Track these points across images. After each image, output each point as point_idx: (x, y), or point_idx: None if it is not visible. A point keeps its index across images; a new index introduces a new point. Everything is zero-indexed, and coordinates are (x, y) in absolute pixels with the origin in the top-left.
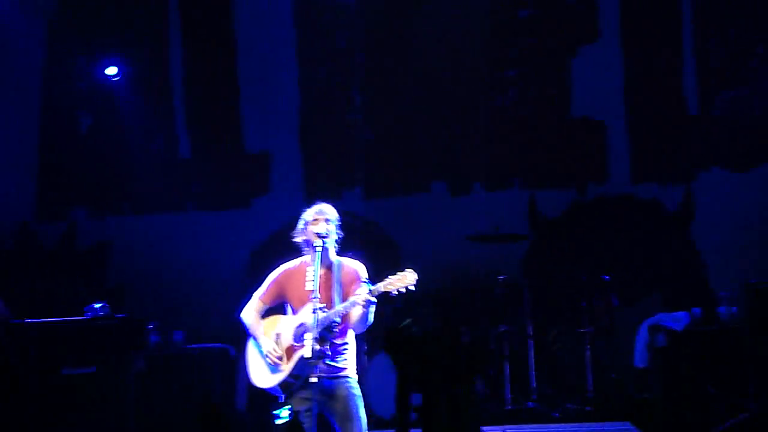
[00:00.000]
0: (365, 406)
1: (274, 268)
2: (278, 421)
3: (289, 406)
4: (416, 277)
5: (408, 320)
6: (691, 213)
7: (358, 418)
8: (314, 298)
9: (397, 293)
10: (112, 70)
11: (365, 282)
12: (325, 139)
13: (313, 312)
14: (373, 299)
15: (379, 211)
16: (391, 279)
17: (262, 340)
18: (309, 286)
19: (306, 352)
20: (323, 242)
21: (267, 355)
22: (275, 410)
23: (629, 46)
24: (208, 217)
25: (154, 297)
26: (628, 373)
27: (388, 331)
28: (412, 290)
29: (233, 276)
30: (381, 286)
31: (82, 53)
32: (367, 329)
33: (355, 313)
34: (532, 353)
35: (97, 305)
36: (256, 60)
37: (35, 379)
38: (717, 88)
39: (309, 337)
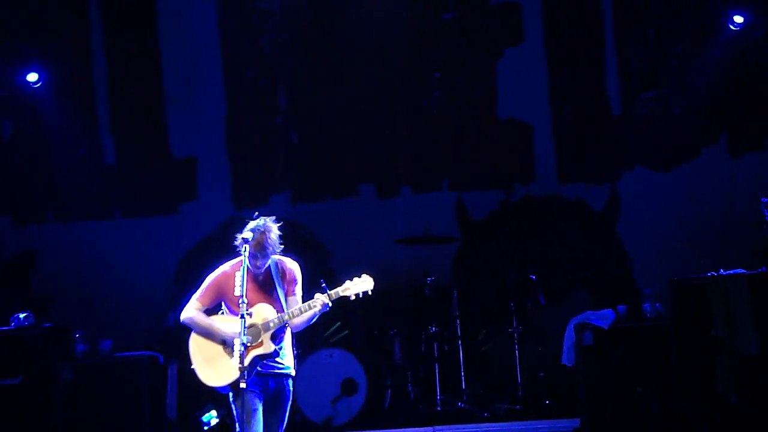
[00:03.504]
0: (295, 409)
1: (203, 274)
2: (206, 428)
3: (215, 412)
4: (373, 282)
5: (337, 323)
6: (617, 212)
7: (284, 421)
8: (241, 303)
9: (354, 297)
10: (32, 77)
11: (323, 287)
12: (251, 143)
13: (241, 317)
14: (329, 303)
15: (308, 215)
16: (349, 284)
17: (219, 327)
18: (237, 292)
19: (235, 360)
20: (248, 246)
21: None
22: (202, 417)
23: (553, 49)
24: (136, 223)
25: (80, 305)
26: (556, 372)
27: None
28: (369, 295)
29: (161, 283)
30: (339, 291)
31: (1, 60)
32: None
33: (304, 316)
34: (461, 354)
35: (22, 315)
36: (181, 64)
37: None
38: (639, 89)
39: (237, 343)
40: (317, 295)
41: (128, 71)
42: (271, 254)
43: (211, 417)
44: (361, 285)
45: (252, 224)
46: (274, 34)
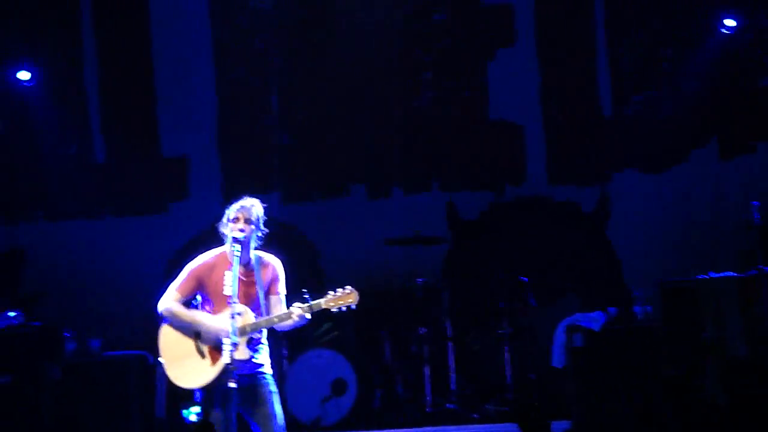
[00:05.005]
0: (285, 410)
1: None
2: (187, 423)
3: (198, 407)
4: (358, 297)
5: (327, 324)
6: (607, 214)
7: (275, 415)
8: (232, 303)
9: (337, 311)
10: (24, 75)
11: (305, 297)
12: (242, 143)
13: (231, 317)
14: (309, 316)
15: (298, 215)
16: (332, 296)
17: (201, 319)
18: (227, 291)
19: (225, 358)
20: (240, 247)
21: (201, 343)
22: (184, 411)
23: (545, 50)
24: (126, 222)
25: (70, 304)
26: (546, 374)
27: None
28: (353, 309)
29: (151, 282)
30: (322, 302)
31: None
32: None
33: (283, 325)
34: (451, 355)
35: (12, 313)
36: (173, 62)
37: None
38: (629, 91)
39: (227, 343)
40: (296, 305)
41: (120, 70)
42: (257, 231)
43: (190, 413)
44: (344, 299)
45: (236, 206)
46: (266, 34)
